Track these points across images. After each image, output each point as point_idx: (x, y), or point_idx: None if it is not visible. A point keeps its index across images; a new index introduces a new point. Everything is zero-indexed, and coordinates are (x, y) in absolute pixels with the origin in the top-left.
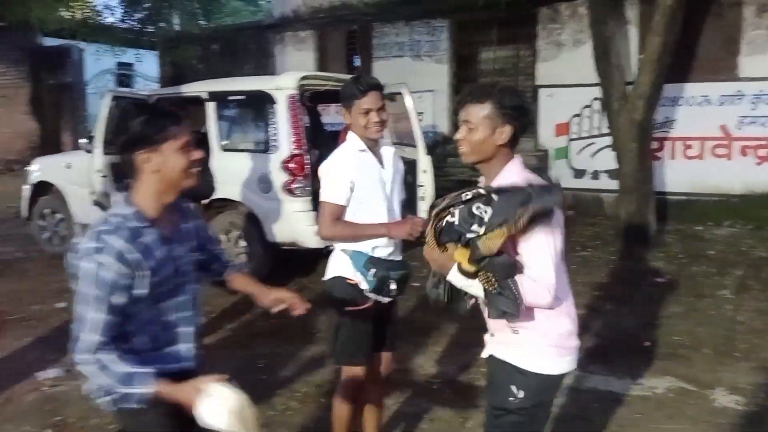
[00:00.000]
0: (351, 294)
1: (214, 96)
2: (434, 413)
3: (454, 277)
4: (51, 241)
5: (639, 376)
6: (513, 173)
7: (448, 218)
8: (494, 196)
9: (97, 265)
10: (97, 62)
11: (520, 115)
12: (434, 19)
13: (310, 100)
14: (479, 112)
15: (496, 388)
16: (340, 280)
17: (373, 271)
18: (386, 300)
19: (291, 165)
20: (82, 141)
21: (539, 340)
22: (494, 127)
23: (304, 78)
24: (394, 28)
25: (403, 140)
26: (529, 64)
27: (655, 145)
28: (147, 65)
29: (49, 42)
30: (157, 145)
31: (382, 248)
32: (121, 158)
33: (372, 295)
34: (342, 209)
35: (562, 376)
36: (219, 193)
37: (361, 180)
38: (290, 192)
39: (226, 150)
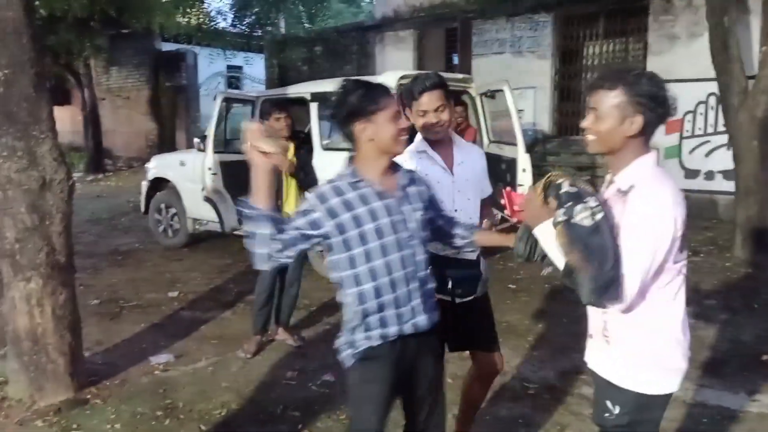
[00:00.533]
0: None
1: (317, 97)
2: (530, 419)
3: (542, 232)
4: (166, 233)
5: (756, 392)
6: (643, 169)
7: (563, 183)
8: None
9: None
10: (210, 65)
11: (655, 104)
12: (537, 14)
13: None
14: (609, 100)
15: (595, 402)
16: None
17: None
18: (457, 300)
19: None
20: (196, 140)
21: (632, 357)
22: (624, 116)
23: (403, 77)
24: (494, 24)
25: (503, 138)
26: (638, 59)
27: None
28: (255, 68)
29: (167, 47)
30: (371, 116)
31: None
32: (342, 130)
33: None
34: None
35: (664, 396)
36: None
37: None
38: None
39: (327, 149)
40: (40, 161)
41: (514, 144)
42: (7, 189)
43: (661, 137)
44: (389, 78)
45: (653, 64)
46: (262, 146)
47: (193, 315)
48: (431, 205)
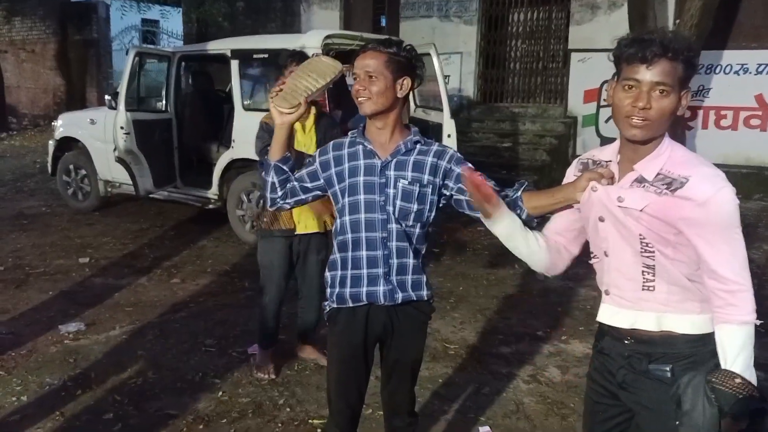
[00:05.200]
0: None
1: (238, 54)
2: (449, 378)
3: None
4: (75, 196)
5: None
6: (682, 155)
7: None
8: None
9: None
10: (123, 19)
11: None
12: None
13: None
14: (675, 73)
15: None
16: None
17: None
18: None
19: None
20: (107, 97)
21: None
22: (680, 92)
23: (328, 37)
24: None
25: (429, 103)
26: (561, 27)
27: (687, 113)
28: (172, 22)
29: None
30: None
31: None
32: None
33: None
34: None
35: None
36: (240, 153)
37: None
38: None
39: (248, 110)
40: None
41: (440, 109)
42: None
43: (579, 106)
44: (314, 38)
45: (575, 33)
46: (279, 107)
47: (106, 282)
48: (449, 179)
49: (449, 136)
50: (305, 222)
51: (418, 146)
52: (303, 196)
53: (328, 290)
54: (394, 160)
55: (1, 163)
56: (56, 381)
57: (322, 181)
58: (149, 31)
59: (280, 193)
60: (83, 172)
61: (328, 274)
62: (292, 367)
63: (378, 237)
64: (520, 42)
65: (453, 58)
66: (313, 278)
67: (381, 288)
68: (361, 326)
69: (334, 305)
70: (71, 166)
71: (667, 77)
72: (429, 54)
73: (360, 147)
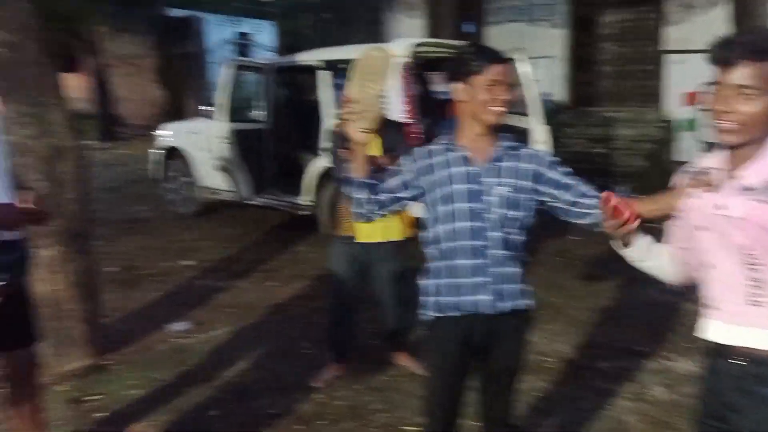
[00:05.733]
0: None
1: (327, 65)
2: (546, 392)
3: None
4: (178, 202)
5: None
6: None
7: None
8: None
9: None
10: (218, 32)
11: None
12: None
13: (420, 67)
14: (764, 73)
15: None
16: None
17: None
18: None
19: None
20: (203, 108)
21: None
22: None
23: (417, 45)
24: None
25: (517, 109)
26: (654, 28)
27: None
28: (264, 35)
29: (174, 13)
30: (468, 78)
31: None
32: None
33: None
34: None
35: None
36: (330, 162)
37: None
38: None
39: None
40: (52, 129)
41: (526, 114)
42: (23, 156)
43: (677, 109)
44: (401, 46)
45: (669, 34)
46: (361, 128)
47: (207, 284)
48: (544, 184)
49: (541, 142)
50: (367, 231)
51: (512, 152)
52: (394, 206)
53: (424, 298)
54: (490, 166)
55: (110, 171)
56: (166, 377)
57: (414, 190)
58: (242, 44)
59: (371, 207)
60: (185, 179)
61: (423, 282)
62: (388, 373)
63: (477, 245)
64: (610, 44)
65: (541, 63)
66: (384, 287)
67: (481, 297)
68: (460, 335)
69: (432, 314)
70: (173, 174)
71: (751, 79)
72: (516, 59)
73: (453, 154)
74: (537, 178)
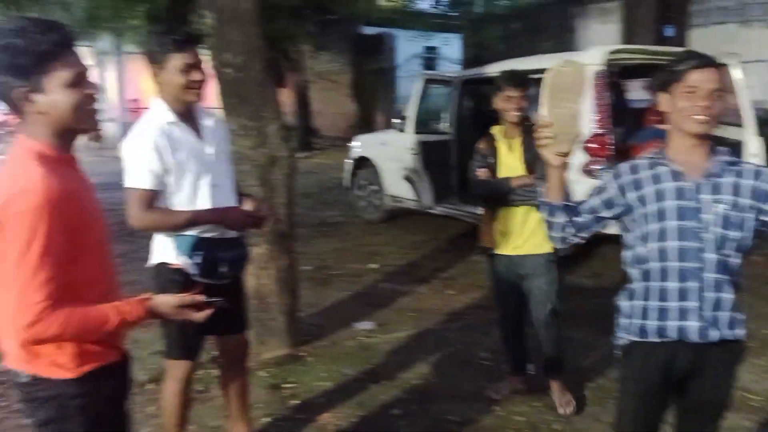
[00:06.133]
0: (177, 281)
1: None
2: None
3: None
4: (366, 209)
5: None
6: None
7: None
8: None
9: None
10: (407, 47)
11: None
12: None
13: (615, 75)
14: None
15: None
16: (162, 267)
17: (200, 253)
18: (220, 283)
19: (592, 145)
20: (395, 121)
21: None
22: None
23: (612, 52)
24: None
25: (724, 118)
26: None
27: None
28: (451, 48)
29: (368, 31)
30: (671, 86)
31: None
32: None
33: (202, 280)
34: (152, 194)
35: None
36: None
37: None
38: (588, 173)
39: None
40: (269, 140)
41: (740, 125)
42: (242, 164)
43: None
44: (596, 53)
45: None
46: (559, 152)
47: (392, 287)
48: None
49: (755, 155)
50: (515, 243)
51: (731, 167)
52: (595, 227)
53: (624, 320)
54: (707, 182)
55: (307, 179)
56: (352, 372)
57: (618, 208)
58: (429, 58)
59: (570, 230)
60: (374, 187)
61: (624, 303)
62: (571, 393)
63: (689, 267)
64: None
65: (751, 68)
66: (538, 304)
67: (693, 323)
68: (663, 362)
69: (633, 337)
70: (364, 182)
71: None
72: (727, 65)
73: (664, 168)
74: (759, 196)
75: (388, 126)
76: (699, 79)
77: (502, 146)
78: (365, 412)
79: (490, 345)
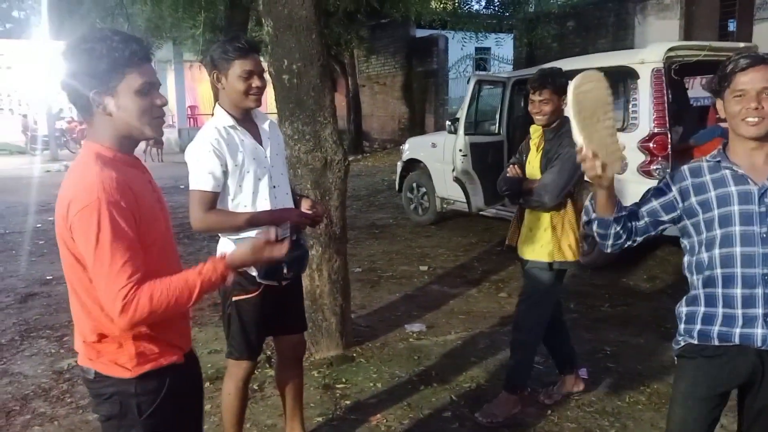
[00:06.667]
0: (239, 282)
1: (570, 75)
2: None
3: None
4: (416, 211)
5: None
6: None
7: None
8: None
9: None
10: (460, 49)
11: None
12: None
13: (675, 73)
14: None
15: None
16: None
17: None
18: (281, 284)
19: (650, 144)
20: (448, 123)
21: None
22: None
23: (671, 49)
24: None
25: None
26: None
27: None
28: (504, 48)
29: (420, 33)
30: (725, 90)
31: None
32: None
33: (264, 281)
34: (213, 196)
35: None
36: None
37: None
38: (647, 173)
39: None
40: (323, 144)
41: None
42: (297, 168)
43: None
44: (654, 51)
45: None
46: (609, 174)
47: (441, 289)
48: None
49: None
50: (522, 246)
51: None
52: (653, 231)
53: (685, 326)
54: None
55: (357, 181)
56: (403, 374)
57: (677, 212)
58: (481, 59)
59: (623, 238)
60: (424, 189)
61: (684, 309)
62: (623, 398)
63: (755, 273)
64: None
65: None
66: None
67: (758, 330)
68: (724, 368)
69: (692, 341)
70: (414, 184)
71: None
72: None
73: (727, 171)
74: None
75: (439, 128)
76: (746, 81)
77: (532, 146)
78: (416, 414)
79: (542, 349)
